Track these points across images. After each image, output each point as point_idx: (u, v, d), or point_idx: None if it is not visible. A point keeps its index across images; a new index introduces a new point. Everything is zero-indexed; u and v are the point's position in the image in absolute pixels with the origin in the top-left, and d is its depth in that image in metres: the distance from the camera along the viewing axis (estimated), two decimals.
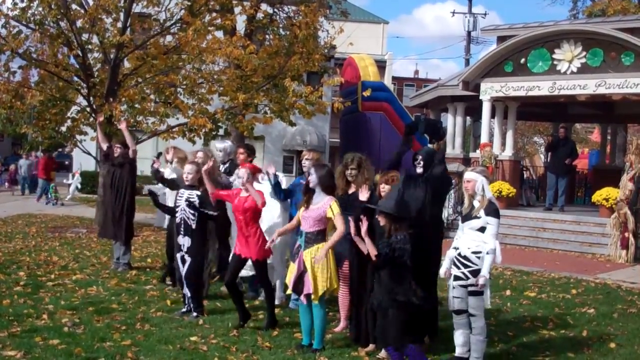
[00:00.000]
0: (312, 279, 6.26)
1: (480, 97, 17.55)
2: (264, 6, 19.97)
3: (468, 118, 23.25)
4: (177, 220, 7.61)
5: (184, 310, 7.68)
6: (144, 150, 29.39)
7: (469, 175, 6.10)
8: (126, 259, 10.47)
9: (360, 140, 23.78)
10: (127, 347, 6.22)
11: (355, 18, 45.46)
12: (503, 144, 18.42)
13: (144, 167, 31.38)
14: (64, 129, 16.14)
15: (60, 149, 36.57)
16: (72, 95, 16.01)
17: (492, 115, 18.13)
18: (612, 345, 7.00)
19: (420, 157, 6.74)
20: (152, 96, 16.21)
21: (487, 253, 5.82)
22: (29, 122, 15.78)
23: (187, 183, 7.62)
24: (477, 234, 5.91)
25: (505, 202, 16.90)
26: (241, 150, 9.02)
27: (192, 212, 7.46)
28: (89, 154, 16.41)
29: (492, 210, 5.93)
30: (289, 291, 6.79)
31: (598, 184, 17.45)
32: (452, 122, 21.03)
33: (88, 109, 15.29)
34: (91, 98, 14.93)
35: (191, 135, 15.56)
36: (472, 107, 19.99)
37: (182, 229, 7.56)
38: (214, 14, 15.48)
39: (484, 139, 18.10)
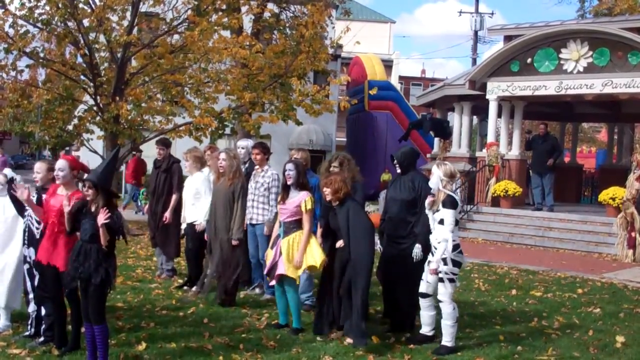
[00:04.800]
0: (290, 265, 6.80)
1: (487, 97, 17.52)
2: (270, 5, 19.98)
3: (474, 117, 23.23)
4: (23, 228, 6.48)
5: (26, 333, 6.50)
6: (152, 149, 29.59)
7: (432, 168, 6.57)
8: (170, 266, 9.87)
9: (366, 139, 23.92)
10: (131, 346, 6.24)
11: (362, 17, 45.50)
12: (510, 144, 18.38)
13: (150, 165, 31.61)
14: (70, 127, 16.19)
15: (67, 148, 36.64)
16: (78, 94, 16.06)
17: (499, 115, 18.09)
18: (618, 345, 6.98)
19: (395, 159, 7.23)
20: (158, 95, 16.24)
21: (439, 242, 6.35)
22: (35, 121, 15.84)
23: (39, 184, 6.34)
24: (439, 226, 6.41)
25: (512, 202, 16.89)
26: (256, 150, 8.53)
27: (37, 219, 6.27)
28: (96, 152, 16.42)
29: (447, 202, 6.38)
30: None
31: (605, 184, 17.40)
32: (459, 122, 21.00)
33: (95, 108, 15.33)
34: (98, 97, 14.96)
35: (198, 134, 15.58)
36: (479, 107, 19.96)
37: (26, 239, 6.45)
38: (221, 13, 15.49)
39: (490, 138, 18.08)
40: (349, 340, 6.57)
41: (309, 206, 6.81)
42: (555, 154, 16.95)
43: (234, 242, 7.97)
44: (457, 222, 6.49)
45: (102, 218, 5.29)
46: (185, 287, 8.98)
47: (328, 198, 6.69)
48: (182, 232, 9.45)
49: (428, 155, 22.01)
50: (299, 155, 8.00)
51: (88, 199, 5.49)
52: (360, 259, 6.51)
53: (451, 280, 6.40)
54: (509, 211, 16.74)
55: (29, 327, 6.50)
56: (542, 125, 17.91)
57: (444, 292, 6.40)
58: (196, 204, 8.86)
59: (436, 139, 22.31)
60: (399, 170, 7.23)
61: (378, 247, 7.46)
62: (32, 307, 6.44)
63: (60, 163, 6.04)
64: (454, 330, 6.48)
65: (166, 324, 7.16)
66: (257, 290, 8.80)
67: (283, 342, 6.59)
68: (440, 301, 6.44)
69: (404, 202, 7.02)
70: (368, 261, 6.55)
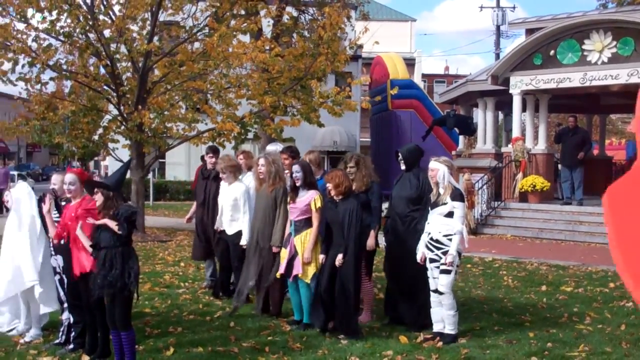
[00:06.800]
0: (302, 262, 7.03)
1: (510, 91, 17.34)
2: (288, 9, 20.02)
3: (499, 113, 23.02)
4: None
5: (57, 341, 6.59)
6: (176, 156, 29.82)
7: (432, 164, 6.66)
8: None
9: (390, 138, 23.80)
10: (159, 351, 6.27)
11: (383, 17, 45.39)
12: (536, 138, 18.17)
13: (177, 173, 31.91)
14: (96, 137, 16.38)
15: (96, 158, 37.08)
16: (102, 104, 16.24)
17: (523, 109, 17.90)
18: None
19: (400, 155, 7.34)
20: (180, 102, 16.35)
21: (454, 234, 6.43)
22: (61, 132, 16.05)
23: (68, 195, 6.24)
24: (445, 219, 6.48)
25: (539, 196, 16.69)
26: (285, 155, 8.22)
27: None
28: (122, 162, 16.58)
29: (456, 195, 6.53)
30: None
31: None
32: (483, 117, 20.84)
33: (119, 118, 15.49)
34: (121, 106, 15.11)
35: (220, 139, 15.65)
36: (503, 102, 19.77)
37: (52, 248, 6.51)
38: (239, 18, 15.55)
39: (515, 133, 17.89)
40: (342, 336, 6.72)
41: (318, 204, 7.01)
42: (585, 147, 16.70)
43: (275, 250, 7.58)
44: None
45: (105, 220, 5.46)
46: (221, 295, 8.79)
47: (332, 193, 6.87)
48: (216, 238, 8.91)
49: (453, 153, 21.88)
50: (308, 158, 7.97)
51: (97, 204, 5.54)
52: (349, 260, 6.74)
53: (451, 271, 6.53)
54: (538, 206, 16.54)
55: (60, 334, 6.58)
56: (572, 117, 17.66)
57: (447, 282, 6.53)
58: (234, 215, 8.36)
59: (460, 136, 22.16)
60: (403, 167, 7.34)
61: (382, 244, 7.59)
62: (65, 315, 6.53)
63: (69, 177, 6.07)
64: (456, 319, 6.66)
65: (193, 328, 7.18)
66: (287, 295, 8.70)
67: (309, 344, 6.57)
68: (440, 293, 6.56)
69: (409, 199, 7.13)
70: (355, 263, 6.77)
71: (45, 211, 6.23)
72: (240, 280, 7.94)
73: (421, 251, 6.67)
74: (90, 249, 5.64)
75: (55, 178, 6.50)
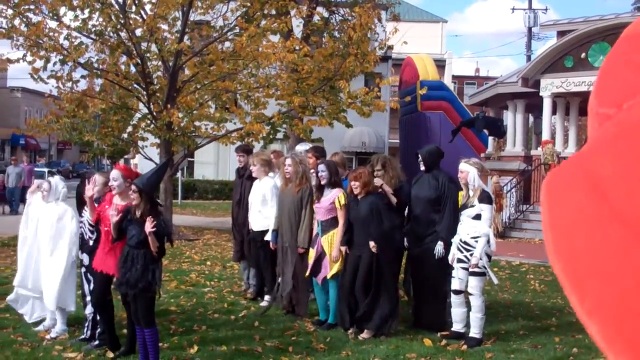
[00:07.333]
0: (330, 261, 7.07)
1: (541, 94, 17.17)
2: (319, 9, 20.00)
3: (530, 115, 22.79)
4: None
5: (82, 337, 6.69)
6: (205, 155, 29.99)
7: (462, 166, 6.64)
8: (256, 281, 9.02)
9: (420, 140, 23.64)
10: (183, 349, 6.31)
11: (413, 18, 45.24)
12: (566, 141, 17.96)
13: (205, 172, 32.10)
14: (125, 135, 16.53)
15: (126, 156, 37.46)
16: (132, 103, 16.39)
17: (554, 112, 17.71)
18: None
19: (420, 156, 7.37)
20: (209, 102, 16.43)
21: (480, 237, 6.41)
22: (92, 130, 16.22)
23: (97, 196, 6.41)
24: (473, 222, 6.49)
25: None
26: (309, 154, 8.21)
27: (90, 228, 6.49)
28: (151, 160, 16.73)
29: (484, 198, 6.51)
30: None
31: None
32: (512, 120, 20.65)
33: (149, 116, 15.62)
34: (151, 105, 15.23)
35: (249, 139, 15.69)
36: (533, 104, 19.59)
37: (80, 245, 6.73)
38: (270, 18, 15.57)
39: (545, 135, 17.71)
40: (363, 335, 6.75)
41: (342, 201, 7.04)
42: None
43: (300, 250, 7.54)
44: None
45: (149, 226, 5.34)
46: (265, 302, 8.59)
47: (357, 191, 6.85)
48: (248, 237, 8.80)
49: (482, 155, 21.70)
50: (333, 160, 7.94)
51: (133, 203, 5.56)
52: (387, 256, 6.79)
53: (482, 274, 6.51)
54: None
55: (85, 330, 6.65)
56: None
57: (476, 285, 6.52)
58: (262, 210, 8.25)
59: (490, 138, 21.99)
60: (422, 168, 7.33)
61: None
62: (88, 310, 6.59)
63: (114, 173, 6.10)
64: (483, 322, 6.62)
65: (218, 327, 7.22)
66: (312, 296, 8.65)
67: (333, 344, 6.56)
68: (470, 294, 6.53)
69: (428, 200, 7.12)
70: (394, 257, 6.91)
71: (87, 195, 6.26)
72: (280, 287, 7.90)
73: (452, 252, 6.67)
74: (114, 232, 5.65)
75: (98, 179, 6.47)
